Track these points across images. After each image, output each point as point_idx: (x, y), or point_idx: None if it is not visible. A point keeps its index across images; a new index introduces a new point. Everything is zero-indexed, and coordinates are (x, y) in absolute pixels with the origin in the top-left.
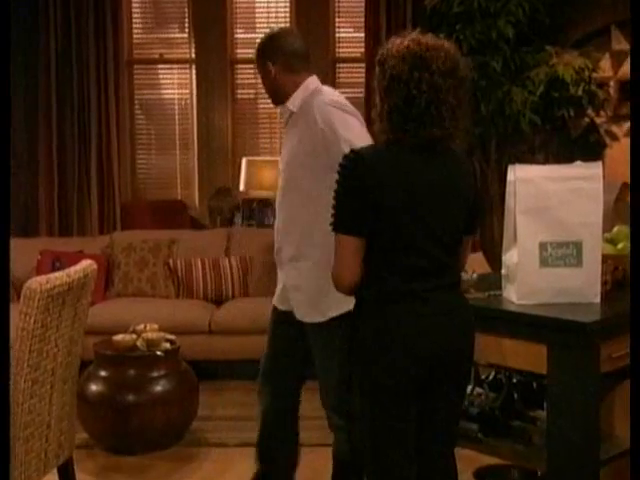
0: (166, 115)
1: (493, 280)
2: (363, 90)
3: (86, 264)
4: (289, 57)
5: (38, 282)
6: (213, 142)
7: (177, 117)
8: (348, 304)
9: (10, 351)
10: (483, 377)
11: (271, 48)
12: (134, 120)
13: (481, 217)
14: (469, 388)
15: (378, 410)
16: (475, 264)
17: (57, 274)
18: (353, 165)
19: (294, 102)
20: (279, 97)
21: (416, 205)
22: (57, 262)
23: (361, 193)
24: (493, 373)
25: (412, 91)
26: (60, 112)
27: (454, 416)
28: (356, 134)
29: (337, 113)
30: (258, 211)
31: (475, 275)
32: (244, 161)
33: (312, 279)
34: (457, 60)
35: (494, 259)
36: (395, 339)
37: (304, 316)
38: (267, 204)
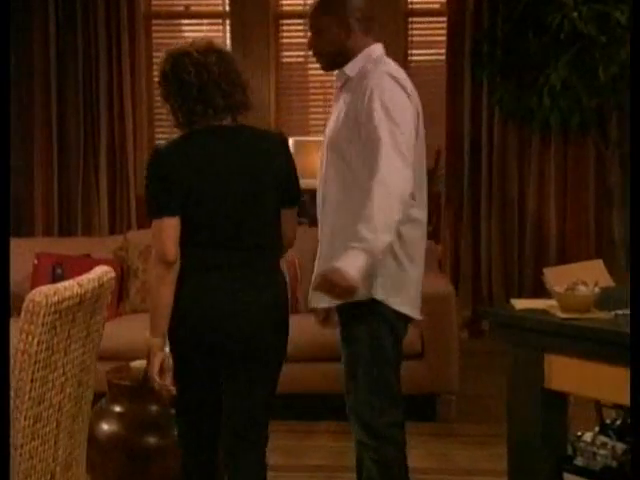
0: None
1: (619, 295)
2: (444, 50)
3: (101, 271)
4: (358, 15)
5: (44, 294)
6: (251, 118)
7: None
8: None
9: (8, 380)
10: (608, 422)
11: (338, 1)
12: (152, 91)
13: (297, 187)
14: (589, 436)
15: (179, 373)
16: (594, 274)
17: (66, 284)
18: (154, 159)
19: (353, 67)
20: (337, 62)
21: (211, 185)
22: (58, 268)
23: (165, 180)
24: (621, 417)
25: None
26: (61, 81)
27: (253, 403)
28: (397, 121)
29: (395, 89)
30: (309, 205)
31: (597, 289)
32: (290, 142)
33: None
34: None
35: (616, 266)
36: (182, 307)
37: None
38: None
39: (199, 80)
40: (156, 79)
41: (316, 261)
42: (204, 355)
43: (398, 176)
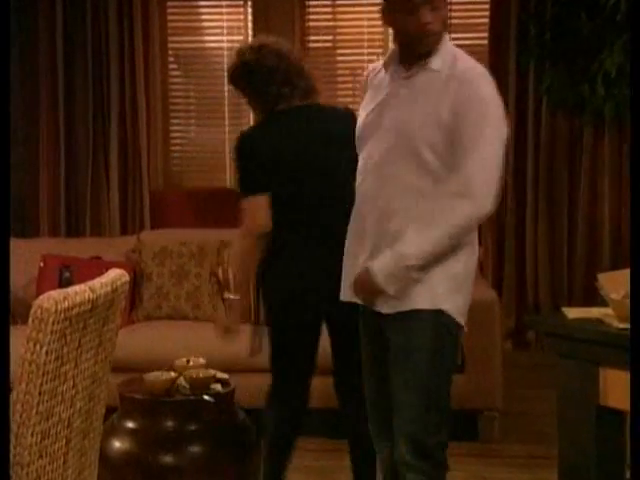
0: (212, 71)
1: None
2: (486, 34)
3: (114, 275)
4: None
5: (53, 299)
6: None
7: (226, 74)
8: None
9: (12, 393)
10: None
11: None
12: (167, 78)
13: None
14: None
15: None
16: None
17: (77, 288)
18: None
19: (443, 60)
20: (419, 52)
21: (298, 162)
22: (65, 271)
23: (253, 159)
24: None
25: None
26: (68, 68)
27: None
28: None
29: (495, 106)
30: None
31: None
32: None
33: None
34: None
35: None
36: (281, 275)
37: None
38: None
39: (284, 65)
40: (172, 62)
41: (351, 237)
42: (303, 312)
43: (491, 200)
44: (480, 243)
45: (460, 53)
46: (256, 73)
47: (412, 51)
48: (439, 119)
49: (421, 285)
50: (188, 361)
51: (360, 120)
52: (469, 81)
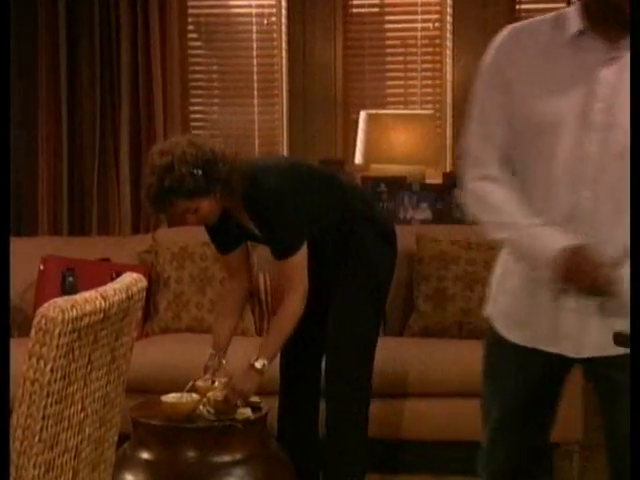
0: (238, 42)
1: None
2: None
3: (129, 280)
4: None
5: (59, 308)
6: (312, 85)
7: (255, 45)
8: None
9: (11, 417)
10: None
11: None
12: (186, 50)
13: None
14: None
15: None
16: None
17: (86, 295)
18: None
19: None
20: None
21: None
22: (69, 275)
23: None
24: None
25: None
26: (71, 32)
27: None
28: None
29: None
30: (388, 198)
31: None
32: (363, 116)
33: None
34: None
35: None
36: None
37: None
38: (403, 186)
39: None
40: (192, 31)
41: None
42: None
43: None
44: None
45: None
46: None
47: (620, 14)
48: None
49: None
50: (213, 381)
51: (538, 105)
52: None
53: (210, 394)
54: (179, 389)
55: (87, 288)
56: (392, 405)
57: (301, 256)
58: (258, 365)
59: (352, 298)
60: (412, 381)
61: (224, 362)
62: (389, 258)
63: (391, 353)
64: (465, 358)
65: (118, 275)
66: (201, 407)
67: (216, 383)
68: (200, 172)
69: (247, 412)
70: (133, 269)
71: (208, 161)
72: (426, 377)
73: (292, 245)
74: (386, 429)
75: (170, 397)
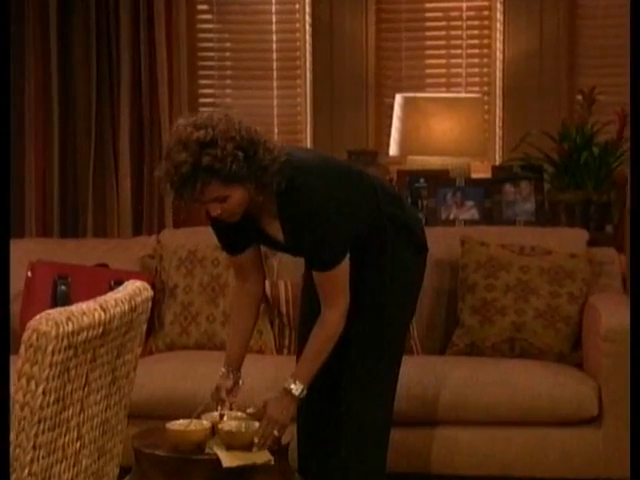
0: (254, 15)
1: None
2: None
3: (133, 289)
4: None
5: (53, 320)
6: (340, 66)
7: (274, 21)
8: None
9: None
10: None
11: None
12: (195, 26)
13: None
14: None
15: None
16: None
17: (84, 306)
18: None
19: None
20: None
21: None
22: (61, 283)
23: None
24: None
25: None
26: (63, 11)
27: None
28: None
29: None
30: (427, 193)
31: None
32: (398, 100)
33: None
34: None
35: None
36: None
37: None
38: (445, 181)
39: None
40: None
41: None
42: None
43: None
44: (622, 249)
45: None
46: None
47: None
48: None
49: None
50: (221, 416)
51: None
52: None
53: (223, 423)
54: (187, 415)
55: (82, 298)
56: (432, 434)
57: (344, 269)
58: (295, 391)
59: (374, 324)
60: (453, 406)
61: (241, 382)
62: (419, 269)
63: (429, 374)
64: (516, 380)
65: (117, 283)
66: (213, 442)
67: (225, 417)
68: (242, 154)
69: (265, 455)
70: (135, 276)
71: (253, 142)
72: (471, 402)
73: (335, 257)
74: (416, 461)
75: (177, 424)
